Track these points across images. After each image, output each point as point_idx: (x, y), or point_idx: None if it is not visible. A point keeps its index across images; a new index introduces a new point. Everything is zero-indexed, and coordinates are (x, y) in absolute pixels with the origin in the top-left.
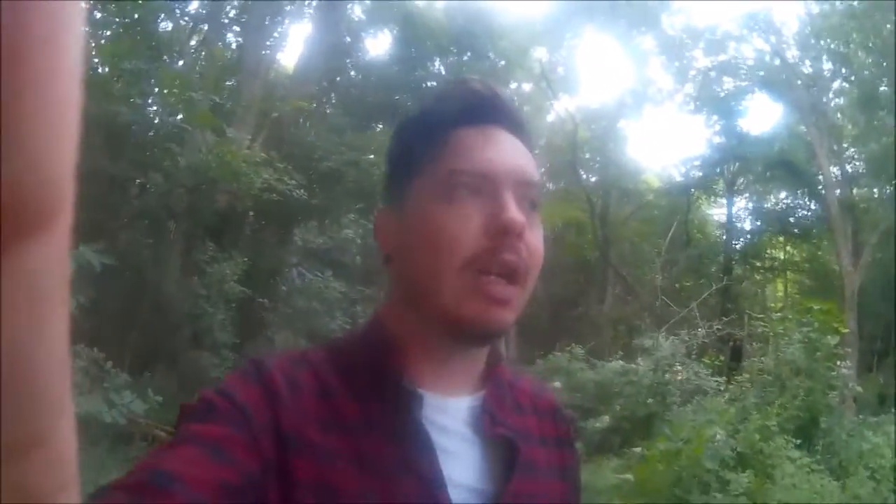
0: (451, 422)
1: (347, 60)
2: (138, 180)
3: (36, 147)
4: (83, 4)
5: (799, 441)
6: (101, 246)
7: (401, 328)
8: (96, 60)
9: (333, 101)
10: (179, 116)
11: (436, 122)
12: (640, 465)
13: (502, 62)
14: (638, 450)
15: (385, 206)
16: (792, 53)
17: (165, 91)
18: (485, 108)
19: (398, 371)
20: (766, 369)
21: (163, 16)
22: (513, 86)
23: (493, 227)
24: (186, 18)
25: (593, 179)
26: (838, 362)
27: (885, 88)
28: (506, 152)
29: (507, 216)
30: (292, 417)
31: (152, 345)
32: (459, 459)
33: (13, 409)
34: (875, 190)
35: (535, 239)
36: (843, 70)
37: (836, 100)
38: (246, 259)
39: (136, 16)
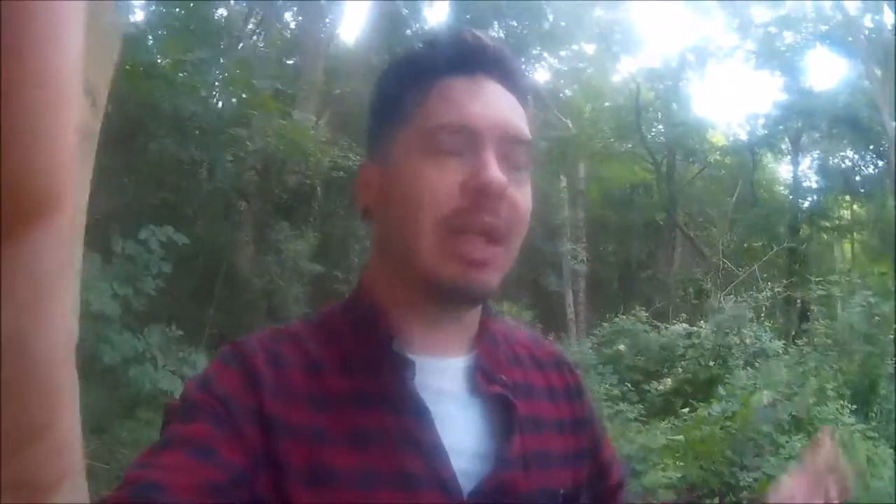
0: (447, 384)
1: (407, 31)
2: (206, 163)
3: (35, 141)
4: (83, 3)
5: (855, 407)
6: (180, 230)
7: (386, 292)
8: (158, 56)
9: None
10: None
11: (421, 68)
12: (690, 426)
13: (562, 23)
14: (686, 410)
15: (368, 162)
16: (853, 5)
17: (227, 75)
18: (473, 57)
19: (387, 337)
20: (828, 333)
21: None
22: (574, 47)
23: (472, 186)
24: (243, 3)
25: (660, 140)
26: None
27: None
28: (491, 105)
29: (486, 176)
30: (277, 399)
31: (229, 322)
32: (459, 424)
33: (15, 396)
34: None
35: (521, 196)
36: None
37: None
38: (317, 234)
39: (191, 4)
